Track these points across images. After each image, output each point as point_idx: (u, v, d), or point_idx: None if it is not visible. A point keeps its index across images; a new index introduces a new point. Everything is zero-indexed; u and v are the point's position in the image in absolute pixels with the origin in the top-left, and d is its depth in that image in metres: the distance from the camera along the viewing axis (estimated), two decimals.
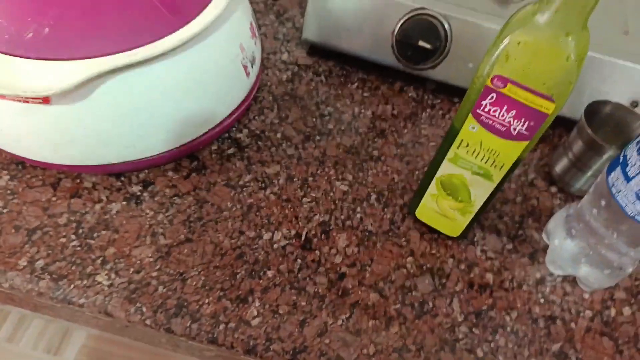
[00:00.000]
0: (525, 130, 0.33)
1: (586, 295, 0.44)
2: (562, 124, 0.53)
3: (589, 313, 0.43)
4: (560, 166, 0.49)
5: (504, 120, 0.33)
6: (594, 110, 0.46)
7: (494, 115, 0.33)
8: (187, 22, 0.39)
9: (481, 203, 0.40)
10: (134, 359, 1.12)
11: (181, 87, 0.40)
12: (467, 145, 0.36)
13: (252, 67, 0.47)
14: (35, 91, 0.35)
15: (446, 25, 0.51)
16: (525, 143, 0.33)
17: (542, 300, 0.43)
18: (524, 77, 0.30)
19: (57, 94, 0.35)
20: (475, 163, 0.37)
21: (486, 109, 0.33)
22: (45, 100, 0.37)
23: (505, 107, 0.32)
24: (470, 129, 0.35)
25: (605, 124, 0.48)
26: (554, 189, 0.50)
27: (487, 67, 0.31)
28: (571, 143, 0.48)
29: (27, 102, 0.37)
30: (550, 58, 0.29)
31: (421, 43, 0.51)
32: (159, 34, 0.38)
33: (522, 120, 0.32)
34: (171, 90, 0.40)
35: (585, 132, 0.45)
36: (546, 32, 0.29)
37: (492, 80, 0.31)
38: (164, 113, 0.40)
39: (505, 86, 0.31)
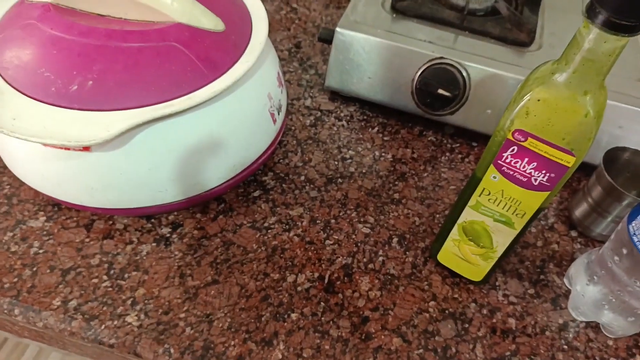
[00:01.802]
0: (547, 181, 0.34)
1: (610, 342, 0.43)
2: (581, 169, 0.54)
3: None
4: (579, 211, 0.50)
5: (525, 171, 0.34)
6: (612, 156, 0.47)
7: (515, 167, 0.34)
8: (220, 75, 0.41)
9: (503, 249, 0.40)
10: None
11: (213, 134, 0.42)
12: (489, 194, 0.37)
13: (278, 114, 0.49)
14: (78, 140, 0.37)
15: (464, 74, 0.53)
16: (547, 193, 0.34)
17: (565, 347, 0.43)
18: (544, 132, 0.32)
19: (99, 144, 0.37)
20: (497, 211, 0.38)
21: (507, 160, 0.34)
22: (86, 148, 0.39)
23: (526, 159, 0.33)
24: (491, 178, 0.36)
25: (624, 170, 0.48)
26: (574, 233, 0.51)
27: (508, 121, 0.33)
28: (590, 188, 0.48)
29: (69, 149, 0.39)
30: (569, 115, 0.30)
31: (440, 91, 0.52)
32: (194, 86, 0.40)
33: (543, 172, 0.33)
34: (204, 138, 0.42)
35: (604, 178, 0.46)
36: (565, 91, 0.30)
37: (513, 134, 0.33)
38: (195, 159, 0.42)
39: (525, 140, 0.32)
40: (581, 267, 0.44)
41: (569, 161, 0.32)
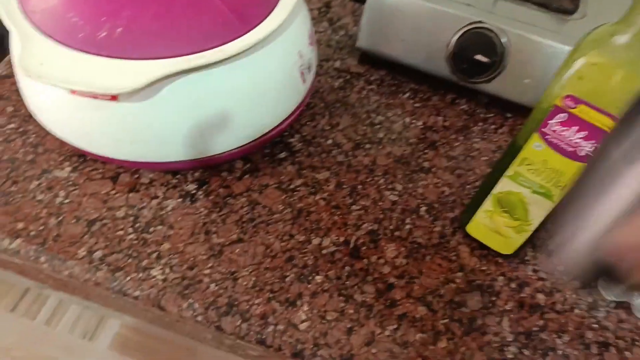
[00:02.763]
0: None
1: None
2: None
3: None
4: None
5: (571, 140, 0.32)
6: None
7: (562, 135, 0.32)
8: (252, 28, 0.39)
9: (538, 222, 0.39)
10: (161, 351, 1.14)
11: (241, 91, 0.41)
12: (530, 164, 0.35)
13: (308, 73, 0.47)
14: (106, 88, 0.36)
15: (504, 40, 0.50)
16: None
17: (595, 326, 0.42)
18: (597, 99, 0.30)
19: (127, 93, 0.36)
20: (537, 182, 0.36)
21: (553, 129, 0.32)
22: (113, 97, 0.38)
23: (574, 128, 0.32)
24: (534, 147, 0.34)
25: None
26: None
27: (558, 86, 0.31)
28: None
29: (96, 97, 0.38)
30: (627, 81, 0.28)
31: (478, 57, 0.50)
32: (226, 38, 0.38)
33: (592, 142, 0.31)
34: (232, 94, 0.41)
35: None
36: (624, 54, 0.28)
37: (563, 99, 0.31)
38: (223, 116, 0.41)
39: (576, 107, 0.31)
40: None
41: None
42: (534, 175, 0.36)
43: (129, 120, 0.40)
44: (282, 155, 0.49)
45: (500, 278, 0.43)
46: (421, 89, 0.57)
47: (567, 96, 0.30)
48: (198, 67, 0.38)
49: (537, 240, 0.46)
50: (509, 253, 0.43)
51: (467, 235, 0.45)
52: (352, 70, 0.57)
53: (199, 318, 0.39)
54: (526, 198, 0.38)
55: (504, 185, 0.38)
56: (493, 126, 0.54)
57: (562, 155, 0.33)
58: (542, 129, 0.33)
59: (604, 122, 0.30)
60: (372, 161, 0.50)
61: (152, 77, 0.36)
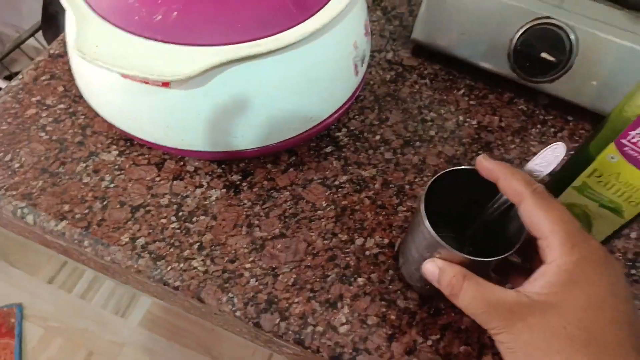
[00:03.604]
0: None
1: None
2: None
3: None
4: None
5: None
6: None
7: None
8: (310, 16, 0.38)
9: (602, 238, 0.36)
10: (190, 331, 1.16)
11: (295, 81, 0.40)
12: (601, 176, 0.33)
13: (361, 65, 0.45)
14: (160, 74, 0.35)
15: (572, 37, 0.47)
16: None
17: None
18: None
19: (181, 80, 0.35)
20: (607, 196, 0.33)
21: (634, 140, 0.30)
22: (165, 83, 0.37)
23: None
24: (608, 158, 0.32)
25: None
26: None
27: None
28: None
29: (147, 83, 0.38)
30: None
31: (543, 55, 0.47)
32: (282, 26, 0.37)
33: None
34: (285, 84, 0.39)
35: None
36: None
37: None
38: (275, 107, 0.40)
39: None
40: None
41: None
42: (604, 188, 0.33)
43: (179, 107, 0.39)
44: (328, 149, 0.47)
45: None
46: (477, 85, 0.54)
47: None
48: (253, 56, 0.36)
49: None
50: None
51: None
52: (405, 63, 0.55)
53: (238, 313, 0.38)
54: (591, 212, 0.35)
55: (568, 196, 0.36)
56: (552, 129, 0.51)
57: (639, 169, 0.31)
58: (621, 140, 0.30)
59: None
60: (422, 160, 0.48)
61: (206, 64, 0.35)
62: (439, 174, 0.34)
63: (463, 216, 0.38)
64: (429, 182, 0.34)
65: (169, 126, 0.40)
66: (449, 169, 0.34)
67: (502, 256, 0.32)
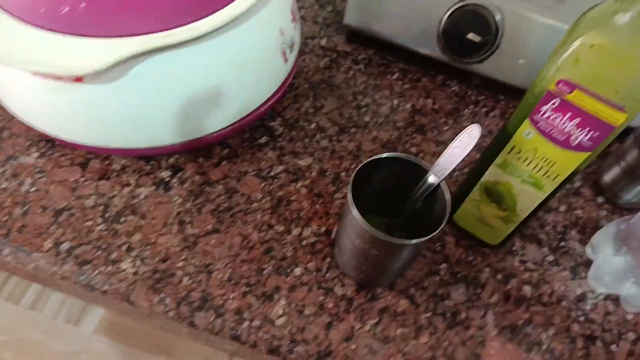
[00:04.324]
0: (588, 141, 0.30)
1: (629, 317, 0.41)
2: None
3: (632, 335, 0.40)
4: (610, 175, 0.46)
5: (564, 128, 0.30)
6: None
7: (554, 123, 0.30)
8: (227, 4, 0.37)
9: (527, 213, 0.37)
10: (151, 335, 1.13)
11: (218, 72, 0.39)
12: (520, 152, 0.33)
13: (290, 52, 0.45)
14: (69, 69, 0.33)
15: (498, 18, 0.47)
16: (586, 154, 0.31)
17: (582, 319, 0.40)
18: (593, 84, 0.27)
19: (91, 74, 0.33)
20: (526, 171, 0.34)
21: (546, 115, 0.30)
22: (78, 79, 0.36)
23: (568, 115, 0.29)
24: (524, 135, 0.32)
25: None
26: (600, 200, 0.47)
27: (552, 70, 0.29)
28: (625, 151, 0.44)
29: (60, 79, 0.36)
30: (627, 64, 0.26)
31: (470, 36, 0.48)
32: (198, 15, 0.36)
33: (586, 130, 0.29)
34: (207, 75, 0.38)
35: None
36: (626, 35, 0.26)
37: (557, 84, 0.28)
38: (197, 99, 0.39)
39: (571, 92, 0.28)
40: (608, 236, 0.41)
41: (618, 119, 0.28)
42: (524, 165, 0.34)
43: (96, 103, 0.37)
44: (263, 140, 0.46)
45: (487, 270, 0.42)
46: (411, 69, 0.54)
47: (561, 80, 0.28)
48: (168, 46, 0.35)
49: (524, 230, 0.44)
50: (495, 243, 0.41)
51: (453, 225, 0.43)
52: (339, 49, 0.55)
53: (171, 313, 0.37)
54: (515, 188, 0.36)
55: (492, 175, 0.36)
56: (484, 109, 0.52)
57: (554, 144, 0.31)
58: (534, 116, 0.31)
59: (600, 110, 0.28)
60: (358, 146, 0.48)
61: (117, 57, 0.34)
62: (363, 163, 0.34)
63: (394, 202, 0.38)
64: (355, 172, 0.34)
65: (88, 124, 0.38)
66: (373, 158, 0.34)
67: (428, 237, 0.32)
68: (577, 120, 0.29)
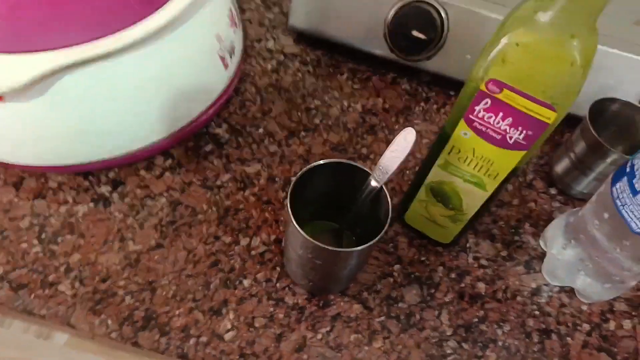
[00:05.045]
0: (523, 139, 0.29)
1: (584, 307, 0.41)
2: (566, 120, 0.50)
3: (586, 326, 0.40)
4: (561, 167, 0.46)
5: (499, 127, 0.30)
6: (599, 108, 0.43)
7: (488, 122, 0.30)
8: (155, 10, 0.35)
9: (473, 212, 0.37)
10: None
11: (151, 81, 0.37)
12: (459, 152, 0.33)
13: (230, 58, 0.43)
14: None
15: (443, 14, 0.47)
16: (522, 153, 0.30)
17: (537, 312, 0.40)
18: (522, 83, 0.27)
19: (8, 93, 0.32)
20: (467, 171, 0.34)
21: (479, 115, 0.30)
22: None
23: (500, 114, 0.29)
24: (462, 135, 0.32)
25: (611, 124, 0.44)
26: (553, 191, 0.47)
27: (482, 69, 0.28)
28: (574, 143, 0.44)
29: None
30: (552, 63, 0.26)
31: (415, 33, 0.47)
32: (124, 23, 0.34)
33: (519, 129, 0.29)
34: (140, 85, 0.37)
35: (588, 132, 0.42)
36: (549, 33, 0.25)
37: (486, 84, 0.28)
38: (132, 110, 0.37)
39: (500, 91, 0.28)
40: (559, 229, 0.41)
41: (549, 117, 0.27)
42: (464, 164, 0.33)
43: (22, 121, 0.35)
44: (208, 148, 0.45)
45: (440, 268, 0.41)
46: (360, 68, 0.53)
47: (490, 80, 0.28)
48: (94, 58, 0.33)
49: (477, 226, 0.44)
50: (447, 242, 0.41)
51: (405, 225, 0.43)
52: (287, 51, 0.53)
53: (113, 335, 0.35)
54: (459, 187, 0.35)
55: (435, 175, 0.36)
56: (435, 106, 0.52)
57: (491, 144, 0.31)
58: (469, 116, 0.30)
59: (531, 108, 0.28)
60: (307, 150, 0.47)
61: (37, 73, 0.32)
62: (301, 171, 0.33)
63: (342, 206, 0.38)
64: (293, 182, 0.33)
65: (17, 142, 0.37)
66: (311, 166, 0.34)
67: (370, 243, 0.31)
68: (510, 119, 0.29)
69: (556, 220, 0.42)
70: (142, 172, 0.43)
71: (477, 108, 0.29)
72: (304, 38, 0.54)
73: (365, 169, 0.34)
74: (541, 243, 0.44)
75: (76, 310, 0.36)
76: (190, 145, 0.45)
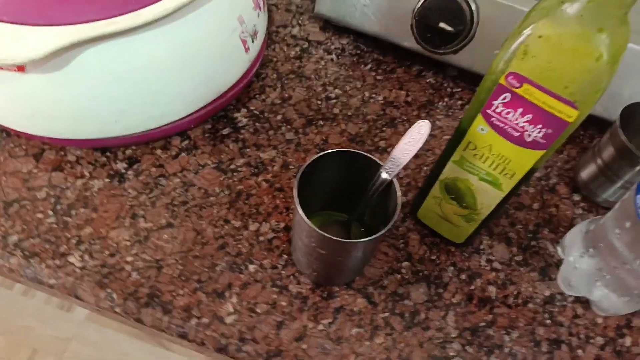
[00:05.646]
0: (542, 138, 0.28)
1: (599, 320, 0.39)
2: (595, 124, 0.48)
3: (600, 340, 0.38)
4: (586, 172, 0.44)
5: (517, 124, 0.28)
6: (632, 112, 0.41)
7: (507, 118, 0.29)
8: None
9: (488, 212, 0.35)
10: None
11: (168, 60, 0.37)
12: (475, 149, 0.32)
13: (252, 42, 0.43)
14: (8, 57, 0.32)
15: (473, 6, 0.45)
16: (541, 152, 0.29)
17: (548, 322, 0.39)
18: (543, 78, 0.26)
19: (29, 62, 0.32)
20: (483, 169, 0.32)
21: (498, 110, 0.29)
22: (20, 68, 0.34)
23: (520, 110, 0.28)
24: (479, 130, 0.30)
25: None
26: (577, 197, 0.45)
27: (502, 62, 0.27)
28: (602, 148, 0.42)
29: (1, 68, 0.35)
30: (576, 57, 0.24)
31: (442, 25, 0.45)
32: (143, 2, 0.34)
33: (539, 126, 0.28)
34: (157, 64, 0.37)
35: (618, 137, 0.40)
36: (574, 25, 0.24)
37: (506, 78, 0.27)
38: (148, 88, 0.37)
39: (521, 86, 0.27)
40: (578, 236, 0.39)
41: (571, 115, 0.26)
42: (480, 161, 0.32)
43: (40, 94, 0.36)
44: (225, 131, 0.45)
45: (450, 268, 0.40)
46: (385, 60, 0.52)
47: (510, 73, 0.26)
48: (112, 34, 0.34)
49: (493, 227, 0.43)
50: (459, 242, 0.40)
51: (418, 222, 0.42)
52: (311, 39, 0.53)
53: (117, 309, 0.36)
54: (473, 185, 0.34)
55: (450, 171, 0.35)
56: (460, 102, 0.50)
57: (508, 141, 0.30)
58: (487, 110, 0.29)
59: (551, 105, 0.26)
60: (324, 139, 0.46)
61: (56, 45, 0.32)
62: (312, 159, 0.33)
63: (353, 197, 0.37)
64: (302, 169, 0.32)
65: (34, 114, 0.37)
66: (322, 154, 0.33)
67: (375, 236, 0.31)
68: (530, 116, 0.27)
69: (576, 227, 0.40)
70: (158, 152, 0.43)
71: (495, 103, 0.28)
72: (330, 26, 0.54)
73: (377, 160, 0.33)
74: (559, 250, 0.42)
75: (83, 282, 0.36)
76: (208, 127, 0.45)
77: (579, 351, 0.38)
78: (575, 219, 0.44)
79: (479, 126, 0.30)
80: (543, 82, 0.26)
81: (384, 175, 0.33)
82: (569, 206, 0.45)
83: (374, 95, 0.49)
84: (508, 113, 0.28)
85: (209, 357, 0.46)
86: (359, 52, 0.52)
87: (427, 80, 0.51)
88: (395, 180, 0.32)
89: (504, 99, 0.28)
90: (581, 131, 0.50)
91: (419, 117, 0.48)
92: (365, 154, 0.33)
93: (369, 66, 0.51)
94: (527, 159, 0.30)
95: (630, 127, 0.41)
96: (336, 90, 0.49)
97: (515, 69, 0.26)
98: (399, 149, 0.32)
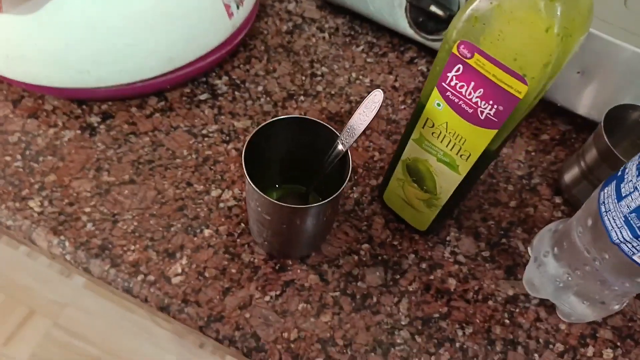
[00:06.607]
0: (494, 115, 0.27)
1: (562, 326, 0.37)
2: (589, 128, 0.46)
3: (560, 347, 0.36)
4: (570, 175, 0.42)
5: (470, 99, 0.27)
6: (617, 115, 0.39)
7: (460, 92, 0.27)
8: None
9: (447, 197, 0.34)
10: None
11: (144, 15, 0.37)
12: (433, 126, 0.30)
13: (237, 8, 0.43)
14: None
15: None
16: (494, 132, 0.27)
17: (507, 321, 0.37)
18: (493, 48, 0.24)
19: (3, 0, 0.33)
20: (441, 148, 0.31)
21: (452, 83, 0.27)
22: None
23: (472, 84, 0.26)
24: (435, 105, 0.29)
25: (629, 133, 0.40)
26: (558, 200, 0.43)
27: (455, 31, 0.26)
28: (585, 151, 0.40)
29: None
30: (525, 27, 0.23)
31: (433, 8, 0.44)
32: None
33: (490, 102, 0.26)
34: (132, 14, 0.37)
35: (601, 140, 0.38)
36: None
37: (458, 46, 0.26)
38: (121, 41, 0.38)
39: (472, 56, 0.25)
40: (547, 235, 0.38)
41: (520, 91, 0.25)
42: (437, 140, 0.31)
43: (14, 35, 0.37)
44: (203, 97, 0.45)
45: (412, 256, 0.39)
46: (378, 43, 0.51)
47: (462, 42, 0.25)
48: None
49: (464, 220, 0.41)
50: (423, 229, 0.39)
51: (385, 206, 0.41)
52: (306, 15, 0.52)
53: (68, 257, 0.36)
54: (432, 167, 0.33)
55: (411, 150, 0.33)
56: None
57: (462, 118, 0.28)
58: (442, 83, 0.28)
59: (501, 78, 0.25)
60: (302, 115, 0.45)
61: None
62: (266, 122, 0.32)
63: (312, 169, 0.36)
64: (257, 129, 0.32)
65: (9, 56, 0.38)
66: (277, 118, 0.32)
67: (317, 204, 0.30)
68: (481, 91, 0.26)
69: (548, 226, 0.38)
70: (133, 109, 0.43)
71: (449, 75, 0.27)
72: (328, 5, 0.53)
73: (332, 128, 0.32)
74: (529, 250, 0.40)
75: (39, 227, 0.37)
76: (187, 91, 0.45)
77: (535, 355, 0.36)
78: (552, 221, 0.42)
79: (435, 101, 0.29)
80: (493, 53, 0.24)
81: (340, 147, 0.32)
82: (548, 208, 0.43)
83: (360, 77, 0.48)
84: (462, 87, 0.27)
85: (193, 332, 0.46)
86: (352, 33, 0.52)
87: (419, 68, 0.50)
88: (348, 152, 0.31)
89: (457, 70, 0.26)
90: (573, 134, 0.48)
91: (404, 103, 0.47)
92: (323, 122, 0.33)
93: (361, 48, 0.51)
94: (481, 138, 0.28)
95: (617, 130, 0.39)
96: (323, 68, 0.48)
97: (467, 37, 0.25)
98: (354, 119, 0.31)
